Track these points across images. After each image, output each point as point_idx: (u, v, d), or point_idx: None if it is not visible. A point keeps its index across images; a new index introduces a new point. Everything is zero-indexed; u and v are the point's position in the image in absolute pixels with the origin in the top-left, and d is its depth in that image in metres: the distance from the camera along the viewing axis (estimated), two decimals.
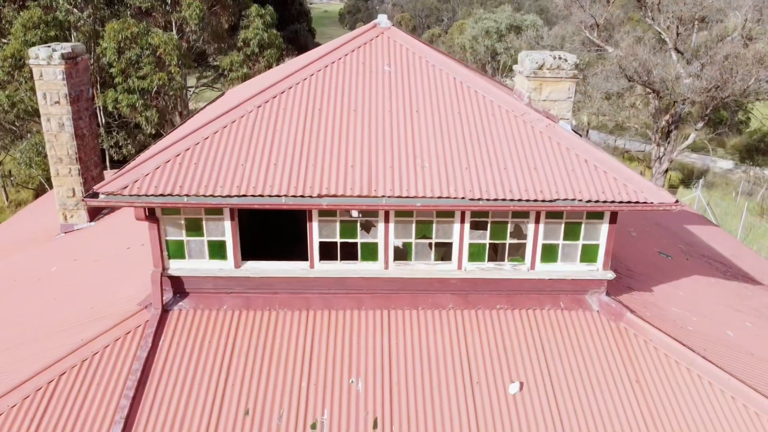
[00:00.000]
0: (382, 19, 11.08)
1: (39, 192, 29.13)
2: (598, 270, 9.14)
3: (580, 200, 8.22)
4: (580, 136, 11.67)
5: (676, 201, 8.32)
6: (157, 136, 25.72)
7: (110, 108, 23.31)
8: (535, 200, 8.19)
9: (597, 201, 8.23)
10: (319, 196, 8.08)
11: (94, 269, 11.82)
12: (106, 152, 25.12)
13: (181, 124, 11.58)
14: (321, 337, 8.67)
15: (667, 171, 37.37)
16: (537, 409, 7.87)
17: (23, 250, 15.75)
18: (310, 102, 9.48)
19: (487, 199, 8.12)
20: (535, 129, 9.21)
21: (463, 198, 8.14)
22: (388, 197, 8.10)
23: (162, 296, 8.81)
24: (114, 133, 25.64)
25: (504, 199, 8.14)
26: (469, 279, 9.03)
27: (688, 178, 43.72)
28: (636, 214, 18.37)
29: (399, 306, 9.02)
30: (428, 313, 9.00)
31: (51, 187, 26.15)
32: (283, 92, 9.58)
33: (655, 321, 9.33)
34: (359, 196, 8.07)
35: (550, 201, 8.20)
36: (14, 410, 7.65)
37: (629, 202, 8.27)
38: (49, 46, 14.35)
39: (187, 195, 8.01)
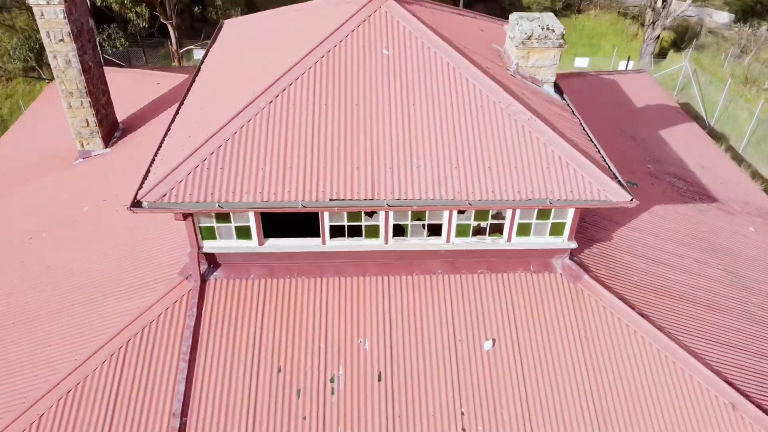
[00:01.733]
0: None
1: (26, 68, 29.01)
2: (564, 241, 10.89)
3: (551, 200, 9.73)
4: (562, 93, 12.73)
5: (631, 199, 9.84)
6: (149, 34, 25.42)
7: (98, 3, 22.81)
8: (512, 200, 9.69)
9: (566, 200, 9.74)
10: (330, 200, 9.52)
11: (126, 218, 13.33)
12: (98, 46, 24.94)
13: (188, 90, 12.37)
14: (333, 301, 10.62)
15: (659, 37, 37.31)
16: (504, 363, 10.11)
17: (45, 174, 17.02)
18: (316, 95, 10.44)
19: (471, 201, 9.60)
20: (518, 122, 10.36)
21: (452, 199, 9.61)
22: (389, 201, 9.55)
23: (200, 269, 10.57)
24: (105, 26, 25.25)
25: (486, 200, 9.63)
26: (455, 250, 10.80)
27: (681, 38, 43.46)
28: (616, 123, 19.69)
29: (397, 272, 10.88)
30: (421, 278, 10.90)
31: (41, 66, 26.10)
32: (291, 84, 10.49)
33: (608, 278, 11.32)
34: (365, 200, 9.52)
35: (526, 201, 9.71)
36: (96, 372, 9.77)
37: (592, 200, 9.80)
38: None
39: (218, 202, 9.41)
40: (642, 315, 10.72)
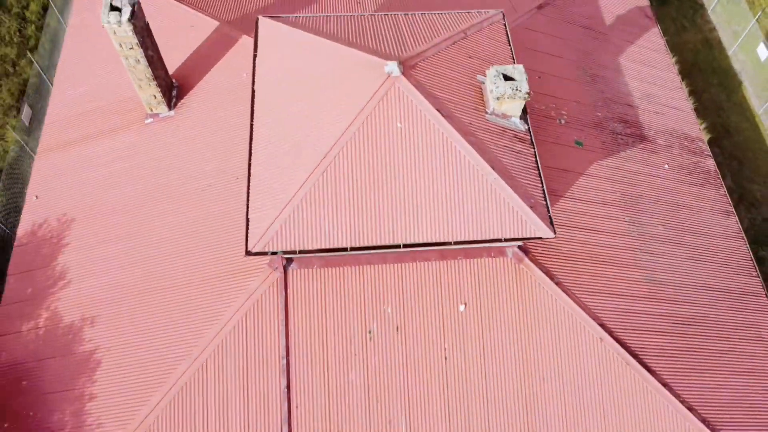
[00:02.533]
0: (392, 68, 15.57)
1: None
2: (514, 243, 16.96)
3: (504, 238, 15.59)
4: (526, 114, 17.44)
5: (555, 236, 15.67)
6: None
7: None
8: (477, 240, 15.55)
9: (513, 238, 15.61)
10: (369, 244, 15.35)
11: (208, 198, 18.72)
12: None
13: (252, 123, 16.90)
14: (366, 280, 17.05)
15: None
16: (470, 319, 17.01)
17: (120, 129, 21.55)
18: (354, 162, 15.45)
19: (453, 242, 15.49)
20: (488, 181, 15.63)
21: (442, 241, 15.47)
22: (403, 243, 15.42)
23: (283, 266, 16.75)
24: None
25: (465, 240, 15.50)
26: (443, 249, 16.91)
27: None
28: (580, 58, 23.75)
29: (407, 261, 17.13)
30: (422, 264, 17.18)
31: None
32: (336, 155, 15.40)
33: (542, 255, 17.61)
34: (389, 246, 15.37)
35: (490, 239, 15.57)
36: (231, 333, 16.62)
37: (529, 237, 15.66)
38: (118, 10, 17.53)
39: (300, 249, 15.24)
40: (557, 283, 17.33)
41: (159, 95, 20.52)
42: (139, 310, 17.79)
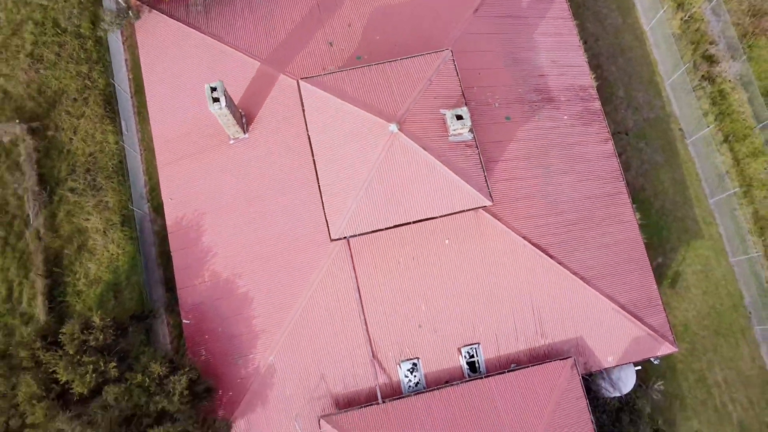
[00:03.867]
0: (393, 128, 27.50)
1: None
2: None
3: (463, 210, 28.82)
4: (472, 129, 29.81)
5: (492, 204, 28.83)
6: None
7: None
8: (451, 213, 28.79)
9: (468, 209, 28.86)
10: (394, 224, 28.63)
11: (296, 195, 31.36)
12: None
13: (315, 164, 29.11)
14: (393, 235, 30.54)
15: None
16: (451, 249, 30.78)
17: (212, 149, 33.32)
18: (380, 184, 28.06)
19: (438, 216, 28.79)
20: (453, 180, 28.39)
21: (431, 216, 28.73)
22: (413, 221, 28.74)
23: (347, 239, 30.09)
24: None
25: (444, 213, 28.77)
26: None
27: None
28: (507, 48, 34.74)
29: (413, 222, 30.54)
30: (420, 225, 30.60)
31: None
32: (370, 181, 27.98)
33: (491, 210, 30.90)
34: (405, 223, 28.70)
35: (456, 212, 28.81)
36: (324, 278, 30.51)
37: (477, 206, 28.88)
38: (218, 101, 28.66)
39: (359, 233, 28.54)
40: (497, 218, 30.83)
41: (240, 130, 32.06)
42: (268, 267, 31.43)
